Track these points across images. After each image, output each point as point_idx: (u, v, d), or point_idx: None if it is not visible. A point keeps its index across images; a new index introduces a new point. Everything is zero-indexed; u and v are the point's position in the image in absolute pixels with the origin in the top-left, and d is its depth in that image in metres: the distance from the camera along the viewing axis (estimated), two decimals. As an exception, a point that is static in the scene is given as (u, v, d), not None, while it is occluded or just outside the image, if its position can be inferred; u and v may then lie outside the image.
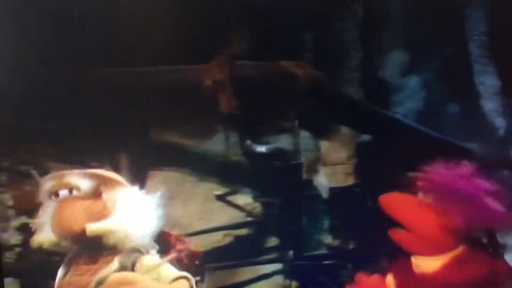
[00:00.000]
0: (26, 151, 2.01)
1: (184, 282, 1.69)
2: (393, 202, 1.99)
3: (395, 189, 2.21)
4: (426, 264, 1.93)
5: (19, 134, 2.05)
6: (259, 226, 2.71)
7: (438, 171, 1.96)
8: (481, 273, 1.89)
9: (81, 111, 2.36)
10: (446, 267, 1.89)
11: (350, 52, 3.09)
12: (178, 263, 1.78)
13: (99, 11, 2.17)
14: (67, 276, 1.66)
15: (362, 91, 3.18)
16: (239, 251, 2.65)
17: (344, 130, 3.10)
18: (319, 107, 2.40)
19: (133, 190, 1.86)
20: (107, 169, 2.66)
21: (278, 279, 2.65)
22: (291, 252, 2.51)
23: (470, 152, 3.01)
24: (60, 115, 2.32)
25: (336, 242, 2.91)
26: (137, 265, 1.66)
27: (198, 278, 1.82)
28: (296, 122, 2.63)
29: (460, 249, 1.93)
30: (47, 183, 1.70)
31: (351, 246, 2.76)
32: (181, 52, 2.42)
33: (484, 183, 1.93)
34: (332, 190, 3.00)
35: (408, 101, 3.10)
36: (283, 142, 2.91)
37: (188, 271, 1.77)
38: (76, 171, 1.74)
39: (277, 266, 2.62)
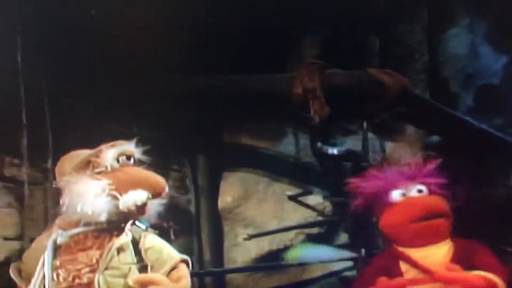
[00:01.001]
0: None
1: (184, 267, 1.79)
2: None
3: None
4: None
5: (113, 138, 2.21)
6: (330, 225, 2.80)
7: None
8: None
9: (163, 117, 2.51)
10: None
11: (416, 55, 3.18)
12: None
13: (198, 23, 2.30)
14: (62, 256, 1.71)
15: (427, 92, 3.25)
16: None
17: (410, 131, 3.17)
18: (404, 112, 2.46)
19: None
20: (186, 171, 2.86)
21: (349, 275, 2.74)
22: (362, 250, 2.58)
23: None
24: (143, 121, 2.48)
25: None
26: (142, 240, 1.72)
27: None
28: (365, 125, 2.70)
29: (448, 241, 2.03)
30: (112, 150, 1.76)
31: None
32: (258, 60, 2.53)
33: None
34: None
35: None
36: (350, 143, 3.00)
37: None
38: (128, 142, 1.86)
39: (348, 263, 2.72)
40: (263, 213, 2.74)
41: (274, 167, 2.75)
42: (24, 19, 1.91)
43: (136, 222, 1.79)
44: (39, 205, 2.08)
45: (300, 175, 2.77)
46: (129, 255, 1.70)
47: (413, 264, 1.94)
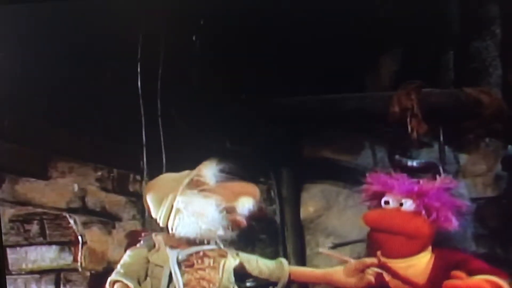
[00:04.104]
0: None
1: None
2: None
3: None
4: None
5: (211, 153, 2.39)
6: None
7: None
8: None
9: (252, 133, 2.69)
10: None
11: (489, 69, 3.25)
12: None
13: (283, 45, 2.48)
14: (186, 274, 1.85)
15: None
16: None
17: (484, 143, 3.24)
18: (498, 128, 2.57)
19: None
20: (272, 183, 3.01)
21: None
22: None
23: None
24: (235, 137, 2.66)
25: (481, 250, 3.06)
26: (243, 258, 1.97)
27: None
28: (441, 137, 2.79)
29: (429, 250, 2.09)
30: (210, 168, 1.97)
31: (497, 253, 2.89)
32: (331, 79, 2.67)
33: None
34: (476, 200, 3.16)
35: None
36: (425, 155, 3.09)
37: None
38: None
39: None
40: (344, 223, 2.84)
41: (354, 179, 2.89)
42: (142, 49, 2.14)
43: None
44: (156, 216, 2.29)
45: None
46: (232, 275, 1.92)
47: (393, 274, 2.03)
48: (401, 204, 2.13)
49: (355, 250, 2.83)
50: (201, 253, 1.88)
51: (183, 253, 1.85)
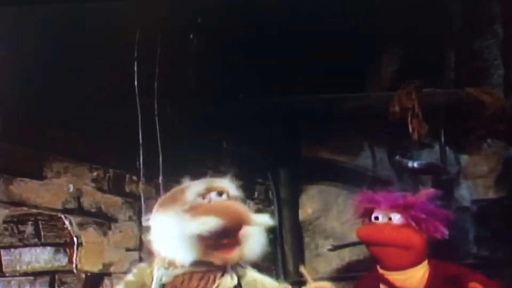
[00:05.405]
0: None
1: None
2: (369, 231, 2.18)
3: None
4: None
5: (207, 153, 2.38)
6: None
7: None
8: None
9: (250, 132, 2.65)
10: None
11: (491, 69, 3.21)
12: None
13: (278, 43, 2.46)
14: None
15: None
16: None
17: (485, 144, 3.21)
18: (500, 129, 2.54)
19: None
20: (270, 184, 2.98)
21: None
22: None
23: None
24: (232, 137, 2.63)
25: (482, 253, 3.03)
26: (244, 278, 1.79)
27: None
28: (442, 138, 2.76)
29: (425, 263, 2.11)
30: (197, 186, 1.76)
31: (499, 256, 2.85)
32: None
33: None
34: (477, 202, 3.13)
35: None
36: (426, 157, 3.06)
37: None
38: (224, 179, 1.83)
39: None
40: (343, 224, 2.81)
41: (353, 180, 2.83)
42: (139, 48, 2.11)
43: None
44: (154, 217, 2.25)
45: (379, 188, 2.86)
46: None
47: (390, 286, 2.06)
48: (390, 218, 2.15)
49: (355, 253, 2.83)
50: (187, 276, 1.74)
51: (169, 274, 1.78)
